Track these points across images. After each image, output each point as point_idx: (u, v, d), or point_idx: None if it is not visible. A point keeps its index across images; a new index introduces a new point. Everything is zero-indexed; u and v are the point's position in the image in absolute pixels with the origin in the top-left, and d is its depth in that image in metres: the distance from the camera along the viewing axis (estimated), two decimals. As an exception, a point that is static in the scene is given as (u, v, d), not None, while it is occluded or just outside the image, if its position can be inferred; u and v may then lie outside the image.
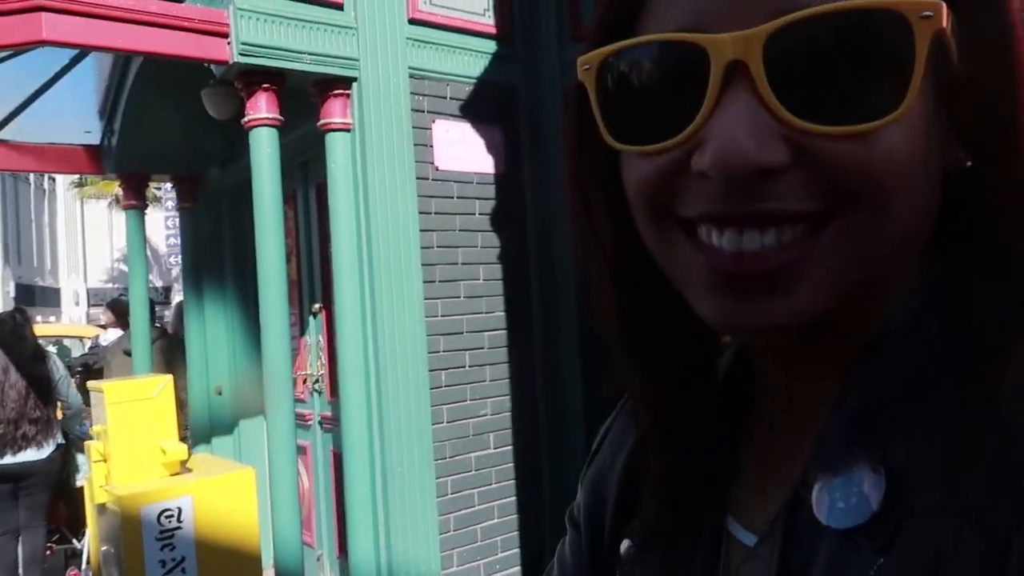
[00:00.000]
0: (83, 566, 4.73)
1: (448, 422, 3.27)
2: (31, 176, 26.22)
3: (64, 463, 4.47)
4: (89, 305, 27.11)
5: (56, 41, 2.59)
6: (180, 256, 5.25)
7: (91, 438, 4.92)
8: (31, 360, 4.24)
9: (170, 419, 2.74)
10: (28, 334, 4.34)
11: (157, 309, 6.61)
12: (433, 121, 3.31)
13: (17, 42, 2.57)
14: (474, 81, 3.43)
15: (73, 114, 4.24)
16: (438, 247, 3.29)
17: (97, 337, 6.31)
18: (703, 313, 0.40)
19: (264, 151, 2.99)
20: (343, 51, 3.06)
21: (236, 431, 4.68)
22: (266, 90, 2.98)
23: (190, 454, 2.86)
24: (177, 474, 2.71)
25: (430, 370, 3.20)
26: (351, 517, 3.10)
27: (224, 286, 4.75)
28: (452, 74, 3.37)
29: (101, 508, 2.69)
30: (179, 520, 2.58)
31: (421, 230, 3.21)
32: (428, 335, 3.20)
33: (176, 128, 4.42)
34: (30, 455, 4.16)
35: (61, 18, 2.55)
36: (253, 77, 2.95)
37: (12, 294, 23.53)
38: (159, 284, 29.74)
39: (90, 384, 2.80)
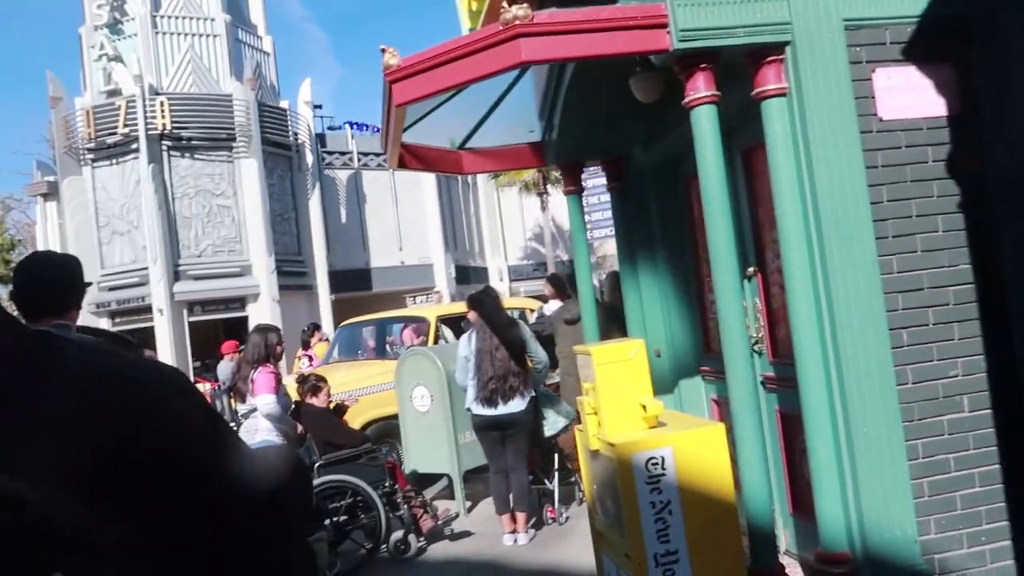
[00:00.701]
0: (555, 504, 5.55)
1: (914, 383, 3.12)
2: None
3: (535, 415, 5.29)
4: (511, 280, 30.97)
5: (531, 60, 3.06)
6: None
7: (549, 394, 5.76)
8: (508, 327, 5.09)
9: (644, 378, 3.09)
10: (500, 306, 5.21)
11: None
12: (873, 71, 3.16)
13: (501, 67, 3.09)
14: (917, 20, 3.18)
15: (518, 118, 4.89)
16: (888, 201, 3.14)
17: (541, 308, 7.24)
18: None
19: (706, 127, 3.17)
20: (775, 17, 3.08)
21: (676, 390, 5.02)
22: (703, 69, 3.14)
23: (662, 410, 3.20)
24: (654, 427, 3.05)
25: (890, 329, 3.09)
26: (817, 478, 3.15)
27: (655, 256, 5.11)
28: (891, 17, 3.17)
29: (594, 454, 3.15)
30: (663, 468, 2.91)
31: (869, 185, 3.10)
32: (885, 292, 3.09)
33: (604, 117, 4.87)
34: (513, 406, 5.01)
35: (534, 40, 3.00)
36: (690, 59, 3.14)
37: (453, 275, 27.91)
38: (565, 258, 32.65)
39: (578, 348, 3.28)
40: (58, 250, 22.77)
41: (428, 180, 27.93)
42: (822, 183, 3.07)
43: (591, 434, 3.11)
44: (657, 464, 2.91)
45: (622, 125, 4.99)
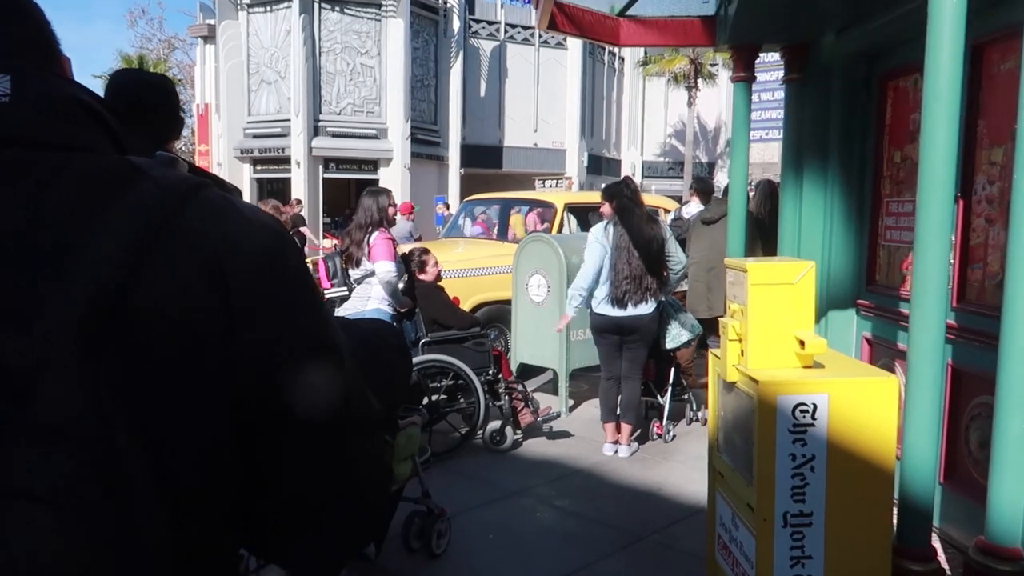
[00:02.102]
0: (664, 420, 5.17)
1: None
2: (605, 56, 29.25)
3: (659, 323, 4.83)
4: (643, 176, 29.80)
5: None
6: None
7: (677, 304, 5.26)
8: (646, 225, 4.58)
9: (808, 308, 2.57)
10: (639, 200, 4.68)
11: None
12: None
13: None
14: None
15: (692, -15, 4.19)
16: None
17: (679, 209, 6.63)
18: None
19: (949, 4, 2.44)
20: None
21: (824, 320, 4.42)
22: (961, -77, 2.39)
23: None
24: (809, 367, 2.55)
25: None
26: (998, 452, 2.58)
27: (826, 166, 4.39)
28: None
29: (730, 386, 2.69)
30: (813, 417, 2.43)
31: None
32: None
33: (796, -10, 4.08)
34: (642, 309, 4.57)
35: None
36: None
37: (585, 163, 27.11)
38: (704, 160, 31.03)
39: (728, 261, 2.77)
40: (213, 94, 23.66)
41: (573, 60, 26.76)
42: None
43: (730, 363, 2.64)
44: (807, 412, 2.42)
45: (816, 3, 4.19)
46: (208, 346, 0.62)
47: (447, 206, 18.69)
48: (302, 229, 12.14)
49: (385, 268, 4.46)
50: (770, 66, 9.13)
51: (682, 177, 27.12)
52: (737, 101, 4.55)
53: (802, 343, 2.51)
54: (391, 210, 4.61)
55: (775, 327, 2.56)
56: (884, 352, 4.09)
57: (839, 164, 4.32)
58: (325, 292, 4.79)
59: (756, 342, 2.57)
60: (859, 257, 4.33)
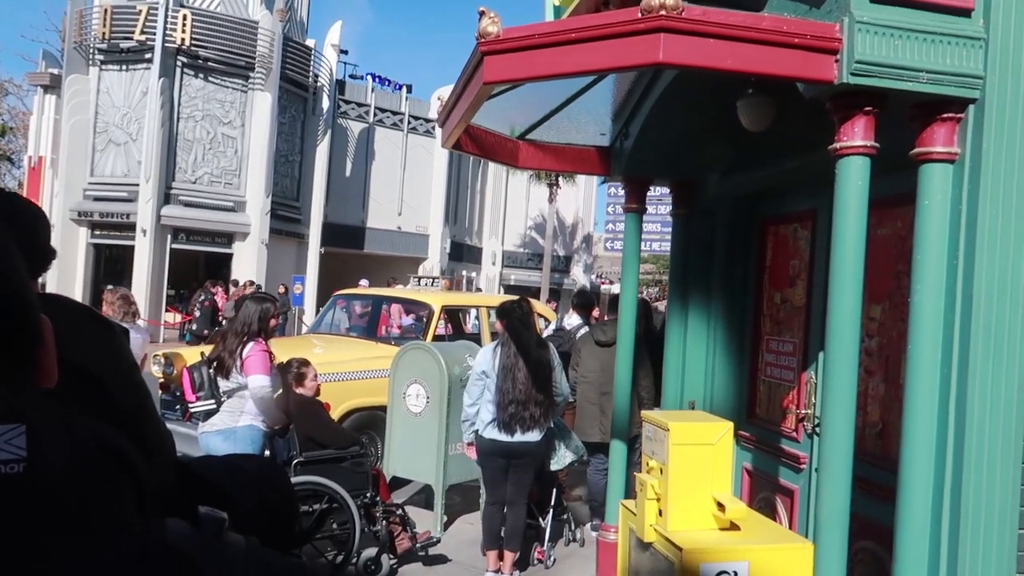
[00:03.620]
0: (544, 544, 5.02)
1: (1035, 530, 2.62)
2: (471, 148, 29.93)
3: (548, 445, 4.74)
4: (503, 266, 30.38)
5: (671, 63, 2.49)
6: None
7: (562, 425, 5.21)
8: (536, 347, 4.52)
9: (725, 468, 2.56)
10: (532, 323, 4.64)
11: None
12: (1063, 151, 2.61)
13: (631, 64, 2.53)
14: None
15: (590, 116, 4.32)
16: (1051, 309, 2.62)
17: (560, 320, 6.69)
18: None
19: (854, 183, 2.61)
20: (966, 67, 2.52)
21: (706, 451, 4.51)
22: (866, 114, 2.58)
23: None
24: (726, 529, 2.52)
25: None
26: (896, 615, 2.64)
27: (710, 299, 4.57)
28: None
29: (645, 545, 2.61)
30: (733, 586, 2.38)
31: (1036, 286, 2.57)
32: (1027, 419, 2.57)
33: (689, 136, 4.31)
34: (530, 436, 4.46)
35: (679, 39, 2.43)
36: (853, 99, 2.57)
37: (448, 249, 27.29)
38: (562, 253, 32.13)
39: (647, 415, 2.74)
40: (49, 147, 21.89)
41: (440, 149, 27.22)
42: (980, 273, 2.54)
43: (647, 522, 2.58)
44: (728, 580, 2.38)
45: (705, 147, 4.43)
46: None
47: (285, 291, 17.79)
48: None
49: (259, 383, 4.11)
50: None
51: (540, 268, 27.87)
52: (628, 230, 4.68)
53: (721, 507, 2.49)
54: (273, 322, 4.30)
55: (695, 487, 2.53)
56: (764, 485, 4.19)
57: (722, 297, 4.51)
58: (190, 406, 4.34)
59: (676, 503, 2.52)
60: (740, 388, 4.48)
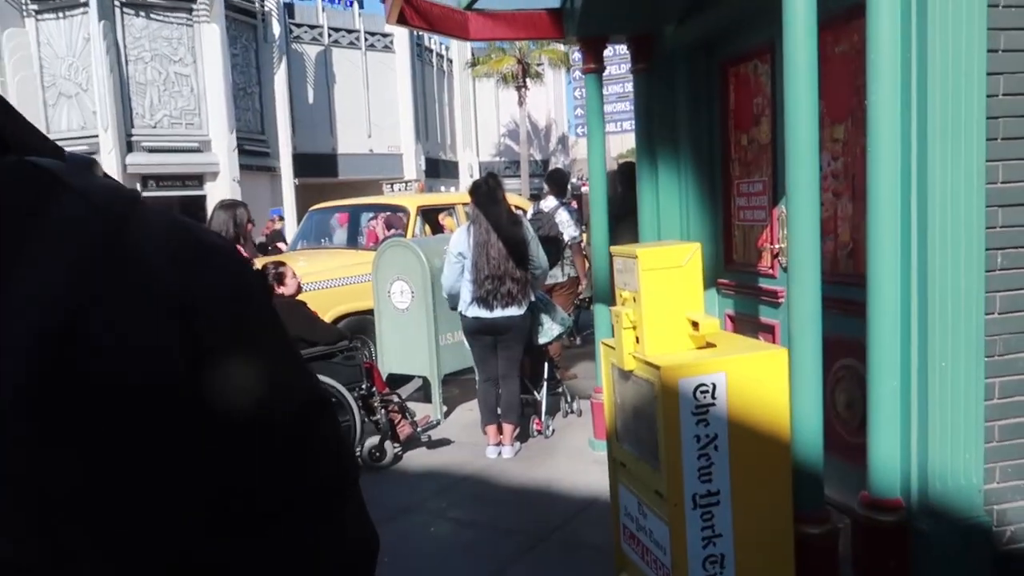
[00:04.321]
0: (542, 416, 5.15)
1: (1001, 313, 2.69)
2: (433, 58, 29.20)
3: (531, 320, 4.79)
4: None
5: None
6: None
7: (546, 299, 5.25)
8: (508, 223, 4.51)
9: (697, 289, 2.59)
10: (501, 197, 4.61)
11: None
12: (1009, -74, 2.55)
13: None
14: None
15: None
16: (1005, 95, 2.61)
17: (537, 205, 6.66)
18: None
19: (800, -15, 2.54)
20: None
21: (688, 303, 4.57)
22: (806, -92, 2.49)
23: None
24: (703, 348, 2.57)
25: (987, 249, 2.61)
26: (873, 412, 2.73)
27: (677, 152, 4.54)
28: None
29: (626, 375, 2.67)
30: (713, 396, 2.45)
31: (988, 73, 2.55)
32: (987, 206, 2.59)
33: (639, -18, 4.18)
34: (510, 311, 4.50)
35: None
36: None
37: (423, 167, 26.93)
38: (539, 157, 31.78)
39: (615, 249, 2.75)
40: None
41: (402, 63, 26.51)
42: (934, 64, 2.51)
43: (626, 352, 2.62)
44: (707, 392, 2.44)
45: (656, -5, 4.31)
46: (179, 419, 0.44)
47: (281, 219, 17.80)
48: (280, 245, 10.79)
49: None
50: (611, 59, 9.43)
51: (519, 176, 27.62)
52: (589, 92, 4.61)
53: (695, 324, 2.53)
54: (249, 226, 4.25)
55: (668, 311, 2.57)
56: (747, 327, 4.27)
57: (690, 149, 4.48)
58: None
59: (651, 327, 2.56)
60: (716, 238, 4.51)
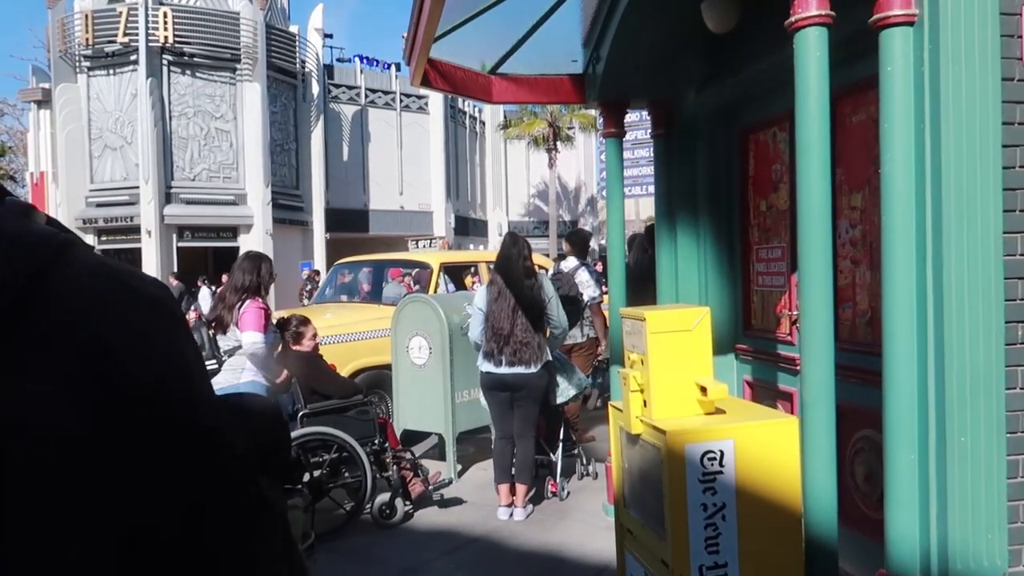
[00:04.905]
0: (557, 477, 5.07)
1: None
2: (466, 120, 29.84)
3: (548, 379, 4.75)
4: (510, 235, 30.27)
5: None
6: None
7: (563, 359, 5.23)
8: (522, 282, 4.52)
9: (706, 354, 2.56)
10: (515, 256, 4.63)
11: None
12: (1022, 4, 2.57)
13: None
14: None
15: (559, 46, 4.28)
16: (1022, 167, 2.59)
17: (558, 265, 6.68)
18: None
19: (813, 55, 2.58)
20: (916, -77, 2.47)
21: (706, 367, 4.51)
22: (818, -18, 2.55)
23: (720, 394, 2.67)
24: (711, 414, 2.53)
25: (1007, 322, 2.55)
26: (891, 486, 2.65)
27: (697, 216, 4.55)
28: (1053, -63, 2.57)
29: (634, 439, 2.63)
30: (720, 464, 2.40)
31: (1004, 145, 2.53)
32: (1006, 278, 2.55)
33: (660, 52, 4.26)
34: (520, 369, 4.49)
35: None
36: (804, -32, 2.54)
37: (452, 224, 27.26)
38: (567, 218, 32.02)
39: (624, 311, 2.74)
40: (49, 161, 22.03)
41: (436, 123, 27.11)
42: (947, 136, 2.50)
43: (633, 415, 2.58)
44: (715, 459, 2.39)
45: (677, 63, 4.39)
46: (82, 462, 0.45)
47: (317, 272, 18.10)
48: None
49: (251, 339, 4.14)
50: (633, 126, 9.54)
51: (547, 235, 27.81)
52: (609, 156, 4.66)
53: (704, 390, 2.50)
54: (271, 279, 4.32)
55: (676, 375, 2.54)
56: (766, 394, 4.20)
57: (709, 214, 4.49)
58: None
59: (659, 391, 2.53)
60: (734, 303, 4.47)
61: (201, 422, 0.53)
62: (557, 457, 5.10)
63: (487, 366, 4.53)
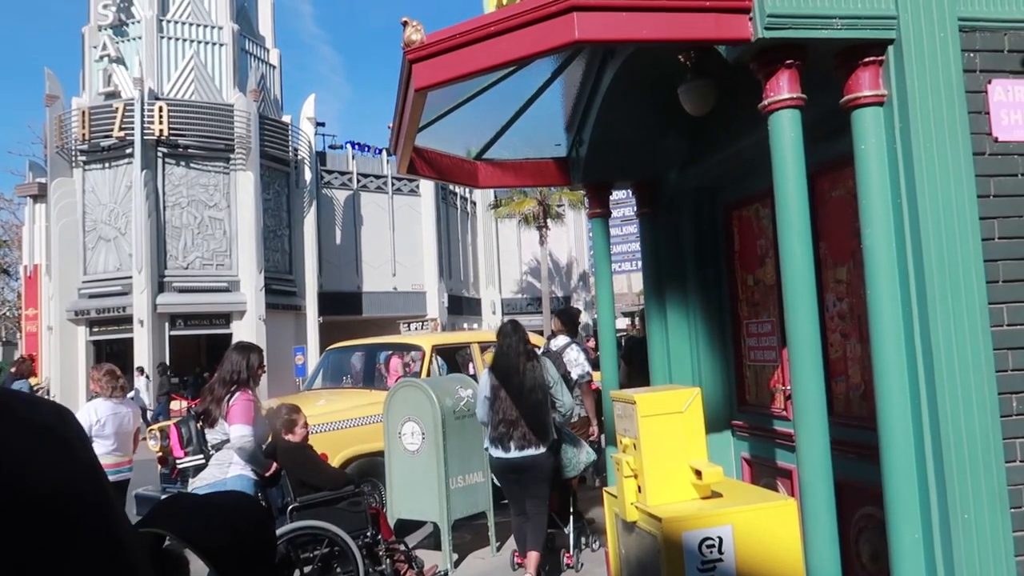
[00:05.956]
0: (572, 549, 4.97)
1: None
2: (457, 201, 30.30)
3: (556, 457, 4.72)
4: (503, 313, 30.35)
5: (588, 39, 2.53)
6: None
7: (571, 433, 5.17)
8: (523, 371, 4.52)
9: (699, 435, 2.52)
10: (513, 345, 4.63)
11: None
12: (988, 82, 2.64)
13: (551, 46, 2.57)
14: (1041, 24, 2.68)
15: (543, 130, 4.38)
16: (1001, 239, 2.61)
17: (547, 344, 6.66)
18: None
19: (787, 136, 2.63)
20: (879, 9, 2.56)
21: (703, 445, 4.44)
22: (788, 67, 2.62)
23: (716, 476, 2.61)
24: (708, 498, 2.47)
25: (1000, 393, 2.53)
26: (896, 565, 2.57)
27: (686, 294, 4.56)
28: (1011, 20, 2.67)
29: (630, 526, 2.56)
30: (720, 551, 2.32)
31: (981, 218, 2.57)
32: (995, 349, 2.54)
33: (641, 134, 4.36)
34: (528, 452, 4.45)
35: (592, 16, 2.48)
36: (774, 54, 2.62)
37: (446, 304, 27.32)
38: (560, 294, 32.16)
39: (615, 393, 2.71)
40: (43, 254, 22.16)
41: (427, 205, 27.50)
42: (925, 211, 2.54)
43: (628, 501, 2.52)
44: (713, 546, 2.32)
45: (659, 144, 4.48)
46: None
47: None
48: None
49: (239, 432, 4.06)
50: (620, 203, 9.69)
51: (540, 312, 27.85)
52: (596, 235, 4.70)
53: (698, 473, 2.44)
54: (260, 371, 4.28)
55: (669, 458, 2.49)
56: (765, 472, 4.12)
57: (698, 290, 4.50)
58: (178, 462, 4.29)
59: (653, 476, 2.48)
60: (728, 378, 4.44)
61: (80, 548, 0.53)
62: (570, 529, 5.03)
63: (497, 452, 4.55)
